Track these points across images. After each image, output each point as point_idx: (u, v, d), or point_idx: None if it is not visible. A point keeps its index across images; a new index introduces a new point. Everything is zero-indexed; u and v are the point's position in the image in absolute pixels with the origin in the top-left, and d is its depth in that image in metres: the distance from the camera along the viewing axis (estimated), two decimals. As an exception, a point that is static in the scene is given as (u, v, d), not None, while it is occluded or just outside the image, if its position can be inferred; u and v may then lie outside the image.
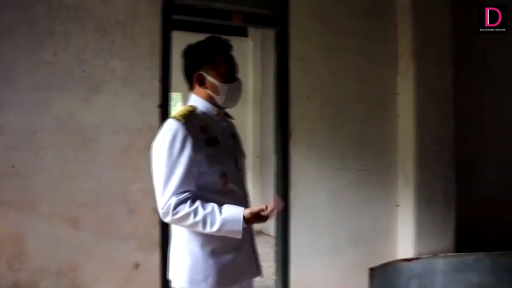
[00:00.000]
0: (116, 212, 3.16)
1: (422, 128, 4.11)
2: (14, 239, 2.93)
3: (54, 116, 3.04)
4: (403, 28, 4.18)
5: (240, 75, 2.18)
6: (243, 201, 2.11)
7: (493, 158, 4.74)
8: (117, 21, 3.21)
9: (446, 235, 4.15)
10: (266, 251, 5.17)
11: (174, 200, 1.93)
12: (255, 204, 2.03)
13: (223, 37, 2.15)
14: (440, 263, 3.94)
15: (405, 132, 4.16)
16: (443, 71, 4.19)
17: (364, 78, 4.12)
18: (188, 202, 1.93)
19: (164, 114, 3.27)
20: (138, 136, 3.21)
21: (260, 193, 7.63)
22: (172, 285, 2.11)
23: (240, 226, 1.93)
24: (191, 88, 2.16)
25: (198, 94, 2.13)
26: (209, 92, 2.10)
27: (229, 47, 2.13)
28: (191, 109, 2.08)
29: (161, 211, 1.97)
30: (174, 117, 2.03)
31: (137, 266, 3.20)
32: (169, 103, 3.37)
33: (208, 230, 1.93)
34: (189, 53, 2.14)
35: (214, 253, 2.02)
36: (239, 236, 1.96)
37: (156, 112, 3.28)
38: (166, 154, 1.96)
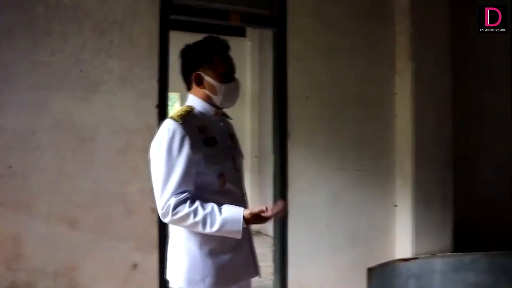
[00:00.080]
0: (114, 212, 3.16)
1: (420, 128, 4.11)
2: (12, 239, 2.92)
3: (52, 116, 3.03)
4: (401, 28, 4.18)
5: (238, 75, 2.17)
6: (240, 201, 2.10)
7: (491, 158, 4.75)
8: (115, 21, 3.20)
9: (444, 235, 4.15)
10: (264, 251, 5.17)
11: (173, 200, 1.93)
12: (253, 204, 2.04)
13: (221, 37, 2.15)
14: (438, 263, 3.95)
15: (403, 132, 4.16)
16: (441, 71, 4.20)
17: (362, 78, 4.12)
18: (188, 202, 1.93)
19: (162, 114, 3.27)
20: (136, 136, 3.21)
21: (258, 193, 7.64)
22: (170, 285, 2.11)
23: (240, 226, 1.93)
24: (189, 88, 2.16)
25: (195, 94, 2.13)
26: (207, 92, 2.10)
27: (227, 47, 2.13)
28: (189, 109, 2.08)
29: (160, 211, 1.96)
30: (171, 118, 2.03)
31: (135, 266, 3.19)
32: (167, 103, 3.37)
33: (208, 230, 1.93)
34: (187, 53, 2.13)
35: (212, 253, 2.02)
36: (239, 236, 1.96)
37: (154, 112, 3.28)
38: (165, 155, 1.96)
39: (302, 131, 3.86)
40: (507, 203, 4.93)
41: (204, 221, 1.92)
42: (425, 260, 3.95)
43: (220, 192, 2.03)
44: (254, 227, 2.32)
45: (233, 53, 2.17)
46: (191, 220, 1.92)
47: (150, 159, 2.04)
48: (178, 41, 2.61)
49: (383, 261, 3.86)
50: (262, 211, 1.94)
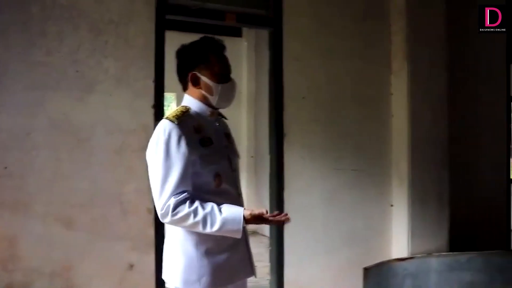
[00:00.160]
0: (111, 212, 3.15)
1: (416, 128, 4.12)
2: (7, 240, 2.92)
3: (48, 116, 3.03)
4: (397, 28, 4.19)
5: (234, 76, 2.18)
6: (237, 202, 2.10)
7: (487, 158, 4.76)
8: (111, 21, 3.20)
9: (440, 234, 4.16)
10: (260, 251, 5.18)
11: (173, 200, 1.93)
12: (249, 205, 2.04)
13: (217, 37, 2.15)
14: (434, 263, 3.96)
15: (399, 132, 4.17)
16: (437, 71, 4.21)
17: (359, 78, 4.13)
18: (187, 202, 1.93)
19: (158, 114, 3.26)
20: (132, 136, 3.20)
21: (254, 193, 7.64)
22: (166, 285, 2.10)
23: (240, 225, 1.94)
24: (185, 88, 2.16)
25: (191, 95, 2.13)
26: (203, 92, 2.10)
27: (222, 47, 2.14)
28: (185, 110, 2.08)
29: (160, 212, 1.96)
30: (167, 118, 2.03)
31: (131, 266, 3.19)
32: (163, 103, 3.37)
33: (208, 230, 1.93)
34: (183, 53, 2.14)
35: (208, 253, 2.02)
36: (239, 236, 1.97)
37: (150, 112, 3.27)
38: (162, 155, 1.96)
39: (299, 131, 3.86)
40: (502, 202, 4.95)
41: (204, 221, 1.92)
42: (421, 260, 3.95)
43: (216, 192, 2.04)
44: (251, 227, 2.32)
45: (229, 53, 2.18)
46: (191, 220, 1.92)
47: (147, 160, 2.04)
48: (174, 41, 2.61)
49: (379, 260, 3.87)
50: (262, 213, 1.95)
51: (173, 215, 1.93)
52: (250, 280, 2.28)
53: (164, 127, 1.99)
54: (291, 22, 3.82)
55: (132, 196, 3.19)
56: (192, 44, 2.13)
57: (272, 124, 3.85)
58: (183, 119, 2.03)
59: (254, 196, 7.50)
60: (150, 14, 3.31)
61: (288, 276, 3.77)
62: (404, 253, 4.04)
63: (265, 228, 6.16)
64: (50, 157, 3.03)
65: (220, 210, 1.94)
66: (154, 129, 2.07)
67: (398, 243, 4.14)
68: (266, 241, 5.06)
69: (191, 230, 1.99)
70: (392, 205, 4.20)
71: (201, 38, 2.14)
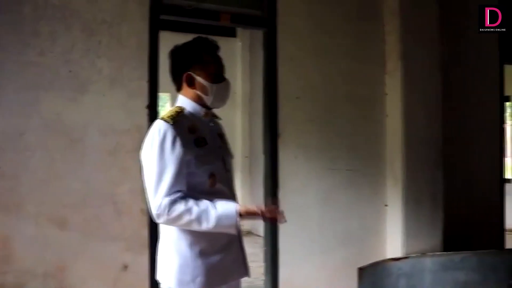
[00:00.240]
0: (104, 213, 3.14)
1: (410, 128, 4.13)
2: (0, 241, 2.90)
3: (41, 116, 3.01)
4: (391, 28, 4.20)
5: (228, 76, 2.18)
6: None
7: (481, 158, 4.77)
8: (104, 21, 3.19)
9: (434, 234, 4.18)
10: (255, 251, 5.17)
11: (167, 200, 1.93)
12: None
13: (210, 37, 2.15)
14: (428, 262, 3.97)
15: (394, 132, 4.18)
16: (431, 71, 4.22)
17: (353, 78, 4.13)
18: (182, 201, 1.93)
19: (152, 114, 3.26)
20: (126, 137, 3.19)
21: (249, 193, 7.64)
22: (160, 286, 2.10)
23: (234, 220, 1.95)
24: (179, 89, 2.16)
25: (186, 95, 2.13)
26: (198, 92, 2.10)
27: (216, 47, 2.14)
28: (179, 110, 2.08)
29: (155, 212, 1.96)
30: (162, 118, 2.03)
31: (125, 267, 3.18)
32: (157, 103, 3.36)
33: (204, 227, 1.94)
34: (177, 54, 2.13)
35: (202, 254, 2.02)
36: (234, 231, 1.98)
37: (144, 113, 3.26)
38: (157, 156, 1.96)
39: (293, 131, 3.87)
40: (496, 202, 4.97)
41: (199, 219, 1.93)
42: (415, 260, 3.96)
43: (210, 192, 2.04)
44: (245, 227, 2.32)
45: (223, 54, 2.18)
46: (186, 218, 1.92)
47: (141, 160, 2.03)
48: (168, 41, 2.61)
49: (374, 260, 3.87)
50: (257, 209, 1.98)
51: (168, 215, 1.93)
52: (245, 280, 2.27)
53: (159, 127, 1.99)
54: (285, 22, 3.82)
55: (126, 197, 3.18)
56: (186, 44, 2.13)
57: (267, 124, 3.85)
58: (178, 119, 2.03)
59: (249, 197, 7.49)
60: (143, 14, 3.30)
61: (283, 276, 3.77)
62: (398, 253, 4.05)
63: (260, 228, 6.15)
64: (44, 158, 3.01)
65: (214, 207, 1.94)
66: (148, 129, 2.07)
67: (393, 243, 4.15)
68: (260, 241, 5.06)
69: (185, 230, 2.00)
70: (386, 205, 4.21)
71: (194, 39, 2.14)
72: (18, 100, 2.96)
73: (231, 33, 7.78)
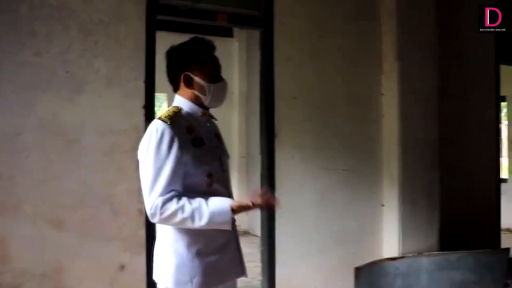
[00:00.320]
0: (101, 213, 3.14)
1: (407, 129, 4.14)
2: (-3, 241, 2.90)
3: (38, 117, 3.01)
4: (387, 29, 4.21)
5: (225, 76, 2.18)
6: (228, 202, 2.11)
7: (477, 158, 4.79)
8: (101, 21, 3.19)
9: (430, 234, 4.19)
10: (252, 251, 5.17)
11: (160, 199, 1.93)
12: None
13: (206, 37, 2.15)
14: (425, 262, 3.98)
15: (390, 132, 4.19)
16: (427, 71, 4.23)
17: (349, 79, 4.14)
18: (175, 199, 1.93)
19: (149, 114, 3.25)
20: (123, 137, 3.19)
21: (245, 193, 7.61)
22: (158, 286, 2.10)
23: (228, 216, 1.95)
24: (176, 89, 2.16)
25: (183, 95, 2.13)
26: (196, 92, 2.11)
27: (213, 47, 2.14)
28: (177, 110, 2.08)
29: (149, 212, 1.96)
30: (160, 118, 2.03)
31: (122, 267, 3.18)
32: (154, 103, 3.36)
33: (197, 224, 1.93)
34: (174, 54, 2.14)
35: (199, 254, 2.02)
36: (229, 227, 1.98)
37: (140, 113, 3.26)
38: (153, 155, 1.96)
39: (290, 131, 3.87)
40: (492, 202, 4.99)
41: (192, 216, 1.93)
42: (412, 259, 3.97)
43: (207, 192, 2.03)
44: (242, 227, 2.32)
45: (220, 54, 2.18)
46: (179, 216, 1.92)
47: (138, 160, 2.03)
48: (165, 41, 2.61)
49: (370, 260, 3.88)
50: (250, 203, 1.98)
51: (161, 214, 1.93)
52: (242, 280, 2.28)
53: (157, 126, 1.99)
54: (282, 23, 3.83)
55: (123, 197, 3.17)
56: (183, 45, 2.13)
57: (263, 124, 3.85)
58: (176, 119, 2.03)
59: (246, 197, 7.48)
60: (140, 14, 3.30)
61: (280, 276, 3.77)
62: (395, 253, 4.06)
63: (257, 228, 6.16)
64: (40, 158, 3.01)
65: (207, 204, 1.95)
66: (145, 129, 2.07)
67: (389, 242, 4.16)
68: (257, 241, 5.06)
69: (183, 230, 2.00)
70: (383, 205, 4.22)
71: (191, 39, 2.14)
72: (14, 100, 2.96)
73: (228, 33, 7.77)
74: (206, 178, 2.04)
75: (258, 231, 4.82)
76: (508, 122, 8.47)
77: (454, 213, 4.43)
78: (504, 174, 7.61)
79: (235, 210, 1.97)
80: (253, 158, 6.88)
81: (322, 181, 4.00)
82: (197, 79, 2.09)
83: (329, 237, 4.01)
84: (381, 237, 4.22)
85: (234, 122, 7.99)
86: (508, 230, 6.89)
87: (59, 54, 3.07)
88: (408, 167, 4.13)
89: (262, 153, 3.87)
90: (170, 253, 2.04)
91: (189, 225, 1.94)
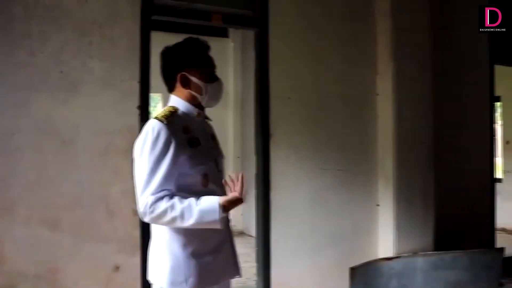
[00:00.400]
0: (96, 214, 3.13)
1: (402, 129, 4.15)
2: (-9, 242, 2.89)
3: (32, 117, 3.00)
4: (382, 29, 4.22)
5: (220, 76, 2.18)
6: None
7: (472, 158, 4.81)
8: (95, 21, 3.18)
9: (425, 234, 4.20)
10: (247, 251, 5.18)
11: (152, 198, 1.92)
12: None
13: (201, 38, 2.15)
14: (420, 262, 3.99)
15: (385, 132, 4.20)
16: (421, 72, 4.24)
17: (344, 79, 4.15)
18: (165, 198, 1.93)
19: (144, 115, 3.25)
20: (118, 138, 3.18)
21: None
22: (153, 286, 2.09)
23: (217, 215, 1.93)
24: (171, 89, 2.15)
25: (179, 95, 2.13)
26: (193, 92, 2.10)
27: (207, 47, 2.15)
28: (173, 110, 2.08)
29: (140, 210, 1.96)
30: (156, 118, 2.02)
31: (117, 268, 3.17)
32: (148, 104, 3.35)
33: (186, 223, 1.93)
34: (169, 54, 2.13)
35: (195, 254, 2.02)
36: (219, 226, 1.96)
37: (135, 113, 3.26)
38: (148, 154, 1.95)
39: (285, 131, 3.87)
40: (487, 202, 5.00)
41: (182, 215, 1.92)
42: (407, 259, 3.98)
43: (203, 192, 2.03)
44: (237, 227, 2.32)
45: (215, 54, 2.18)
46: (169, 215, 1.92)
47: (133, 159, 2.03)
48: (160, 41, 2.60)
49: (365, 260, 3.88)
50: (235, 196, 1.97)
51: (151, 212, 1.92)
52: (238, 281, 2.28)
53: (153, 126, 1.98)
54: (277, 23, 3.83)
55: (117, 198, 3.17)
56: (178, 45, 2.13)
57: (258, 124, 3.85)
58: (172, 119, 2.02)
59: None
60: (135, 14, 3.29)
61: (275, 277, 3.77)
62: (390, 253, 4.07)
63: (252, 229, 6.16)
64: (34, 159, 3.00)
65: (197, 203, 1.94)
66: (139, 130, 2.07)
67: (384, 242, 4.17)
68: (253, 242, 5.06)
69: (178, 231, 1.99)
70: (378, 205, 4.23)
71: (185, 39, 2.15)
72: (8, 101, 2.95)
73: (223, 34, 7.76)
74: (201, 178, 2.04)
75: (253, 231, 4.82)
76: (503, 122, 8.50)
77: (449, 213, 4.44)
78: (498, 174, 7.64)
79: (225, 207, 1.96)
80: (248, 158, 6.87)
81: (317, 181, 4.01)
82: (193, 79, 2.09)
83: (324, 237, 4.01)
84: (376, 237, 4.23)
85: (229, 122, 7.98)
86: (502, 229, 6.92)
87: (53, 54, 3.06)
88: (403, 167, 4.14)
89: (257, 153, 3.87)
90: (165, 253, 2.04)
91: (179, 224, 1.94)
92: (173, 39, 2.22)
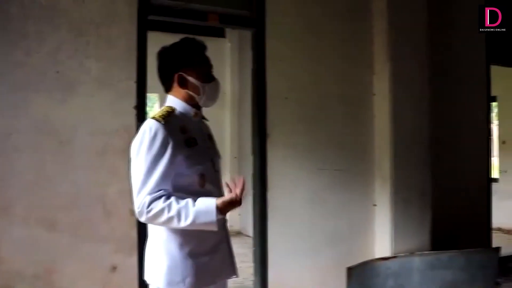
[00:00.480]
0: (93, 214, 3.13)
1: (399, 129, 4.16)
2: (-12, 243, 2.88)
3: (29, 117, 3.00)
4: (379, 29, 4.22)
5: (217, 76, 2.18)
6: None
7: (468, 158, 4.82)
8: (92, 21, 3.18)
9: (422, 233, 4.20)
10: (244, 251, 5.18)
11: (148, 198, 1.92)
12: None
13: (197, 38, 2.15)
14: (416, 261, 3.99)
15: (382, 132, 4.20)
16: (418, 72, 4.25)
17: (341, 79, 4.15)
18: (162, 198, 1.93)
19: (141, 115, 3.25)
20: (115, 138, 3.18)
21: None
22: (150, 286, 2.09)
23: (213, 217, 1.93)
24: (168, 89, 2.15)
25: (176, 96, 2.13)
26: (190, 92, 2.10)
27: (204, 47, 2.15)
28: (170, 110, 2.08)
29: (136, 210, 1.96)
30: (153, 118, 2.02)
31: (114, 268, 3.17)
32: (145, 104, 3.35)
33: (183, 224, 1.92)
34: (166, 55, 2.13)
35: (192, 254, 2.02)
36: (215, 228, 1.96)
37: (132, 113, 3.26)
38: (145, 154, 1.95)
39: (282, 131, 3.87)
40: (483, 201, 5.02)
41: (178, 215, 1.91)
42: (403, 259, 3.99)
43: (200, 193, 2.03)
44: (234, 227, 2.32)
45: (212, 54, 2.19)
46: (165, 215, 1.91)
47: (130, 158, 2.03)
48: (157, 41, 2.60)
49: (362, 260, 3.89)
50: (232, 197, 1.95)
51: (147, 212, 1.92)
52: (234, 281, 2.28)
53: (150, 126, 1.98)
54: (274, 23, 3.83)
55: (115, 198, 3.17)
56: (175, 45, 2.13)
57: (255, 124, 3.85)
58: (169, 119, 2.02)
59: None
60: (132, 14, 3.29)
61: (272, 277, 3.78)
62: (387, 252, 4.07)
63: (249, 229, 6.16)
64: (32, 159, 3.00)
65: (194, 204, 1.94)
66: (136, 130, 2.07)
67: (381, 242, 4.18)
68: (250, 242, 5.06)
69: (175, 231, 1.99)
70: (375, 205, 4.24)
71: (182, 40, 2.14)
72: (5, 101, 2.95)
73: (220, 34, 7.76)
74: (198, 178, 2.04)
75: (250, 231, 4.82)
76: (499, 122, 8.53)
77: (445, 212, 4.45)
78: (495, 173, 7.66)
79: (221, 209, 1.95)
80: (245, 159, 6.88)
81: (314, 181, 4.01)
82: (190, 79, 2.09)
83: (322, 237, 4.02)
84: (373, 236, 4.23)
85: (226, 122, 7.98)
86: (499, 229, 6.94)
87: (50, 54, 3.06)
88: (400, 167, 4.15)
89: (254, 153, 3.87)
90: (162, 253, 2.04)
91: (175, 224, 1.93)
92: (170, 39, 2.22)
